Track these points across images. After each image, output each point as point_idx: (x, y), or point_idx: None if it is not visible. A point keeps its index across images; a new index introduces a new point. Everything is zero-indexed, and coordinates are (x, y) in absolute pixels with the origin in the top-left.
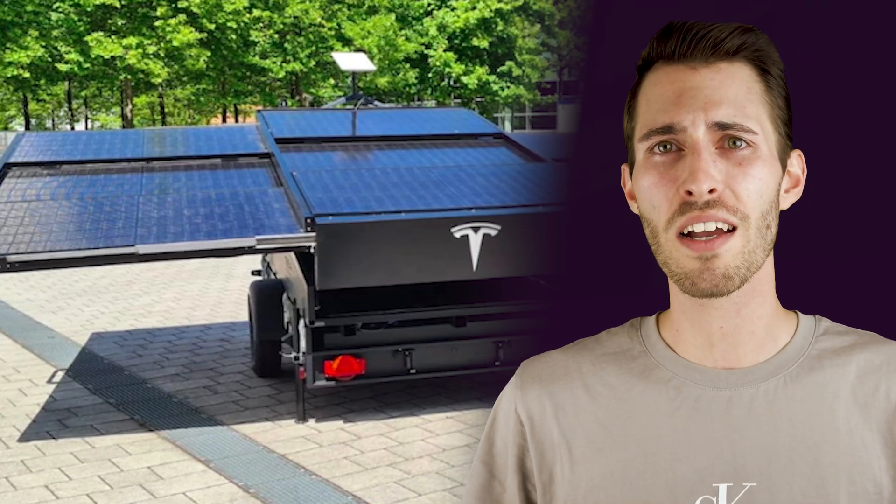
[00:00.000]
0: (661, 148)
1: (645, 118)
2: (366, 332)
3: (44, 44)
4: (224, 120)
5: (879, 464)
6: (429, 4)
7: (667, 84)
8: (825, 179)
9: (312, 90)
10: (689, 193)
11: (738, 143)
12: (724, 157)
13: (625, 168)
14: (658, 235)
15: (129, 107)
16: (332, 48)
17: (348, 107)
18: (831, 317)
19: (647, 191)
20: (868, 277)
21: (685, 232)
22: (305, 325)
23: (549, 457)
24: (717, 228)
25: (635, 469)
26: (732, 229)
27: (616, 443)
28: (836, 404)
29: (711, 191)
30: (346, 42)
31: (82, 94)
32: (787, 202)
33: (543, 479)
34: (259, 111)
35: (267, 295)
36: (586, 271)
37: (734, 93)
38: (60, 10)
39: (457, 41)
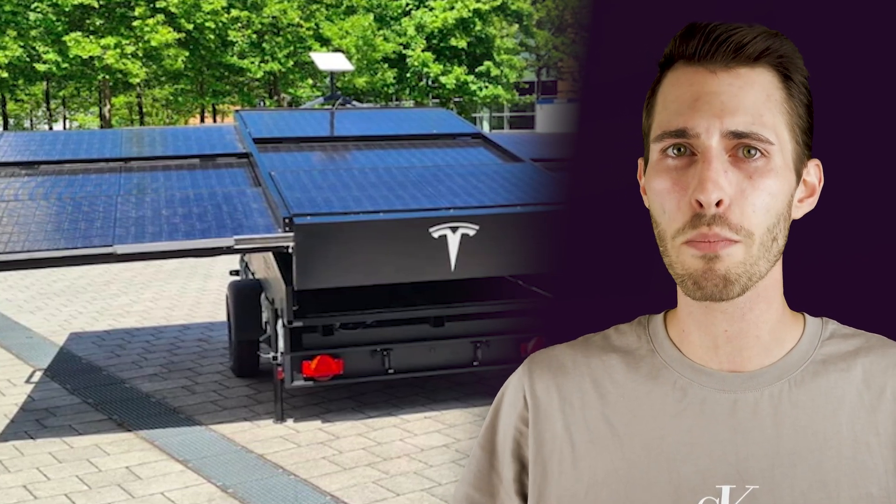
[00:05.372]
0: (675, 151)
1: (660, 119)
2: (344, 332)
3: (22, 44)
4: (202, 120)
5: (886, 467)
6: (407, 4)
7: (685, 86)
8: (829, 181)
9: (291, 90)
10: (700, 205)
11: (753, 152)
12: (736, 167)
13: (641, 162)
14: (665, 241)
15: (108, 107)
16: (310, 48)
17: (326, 107)
18: (838, 318)
19: (658, 195)
20: (874, 278)
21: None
22: (283, 325)
23: (546, 449)
24: (719, 240)
25: (639, 468)
26: (735, 241)
27: (621, 441)
28: (841, 409)
29: (719, 203)
30: (325, 42)
31: (60, 94)
32: (800, 212)
33: (536, 470)
34: (237, 111)
35: (245, 295)
36: (586, 272)
37: (752, 100)
38: (38, 10)
39: (435, 41)
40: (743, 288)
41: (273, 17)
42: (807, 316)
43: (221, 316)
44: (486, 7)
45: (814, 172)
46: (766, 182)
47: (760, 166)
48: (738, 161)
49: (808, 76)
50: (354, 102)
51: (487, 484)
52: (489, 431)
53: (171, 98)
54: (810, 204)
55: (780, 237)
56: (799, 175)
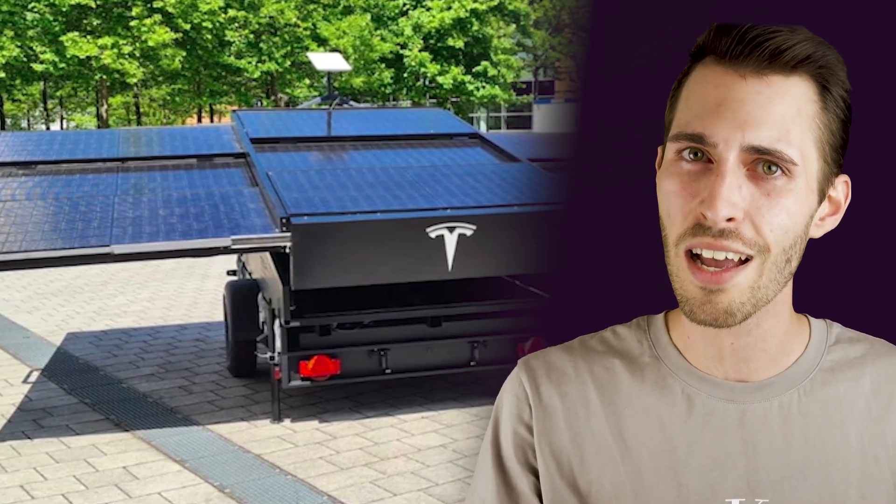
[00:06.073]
0: (691, 155)
1: (681, 117)
2: (341, 333)
3: (19, 44)
4: (199, 120)
5: (895, 479)
6: (404, 4)
7: (710, 87)
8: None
9: (288, 90)
10: (705, 218)
11: (774, 169)
12: (754, 182)
13: (661, 151)
14: (669, 247)
15: (105, 107)
16: (307, 48)
17: (324, 107)
18: (841, 319)
19: (666, 196)
20: (877, 280)
21: (694, 252)
22: (281, 325)
23: (553, 460)
24: (727, 258)
25: (647, 481)
26: (747, 259)
27: (629, 452)
28: (849, 419)
29: (730, 220)
30: (322, 42)
31: (58, 94)
32: (820, 231)
33: (545, 483)
34: (234, 111)
35: (242, 295)
36: (585, 272)
37: (781, 113)
38: (36, 10)
39: (432, 41)
40: (745, 316)
41: (270, 17)
42: (811, 319)
43: (219, 316)
44: (484, 7)
45: (841, 189)
46: (784, 202)
47: (780, 186)
48: (757, 177)
49: (850, 90)
50: (352, 102)
51: (508, 499)
52: (494, 447)
53: (169, 98)
54: (833, 222)
55: (794, 259)
56: (823, 195)
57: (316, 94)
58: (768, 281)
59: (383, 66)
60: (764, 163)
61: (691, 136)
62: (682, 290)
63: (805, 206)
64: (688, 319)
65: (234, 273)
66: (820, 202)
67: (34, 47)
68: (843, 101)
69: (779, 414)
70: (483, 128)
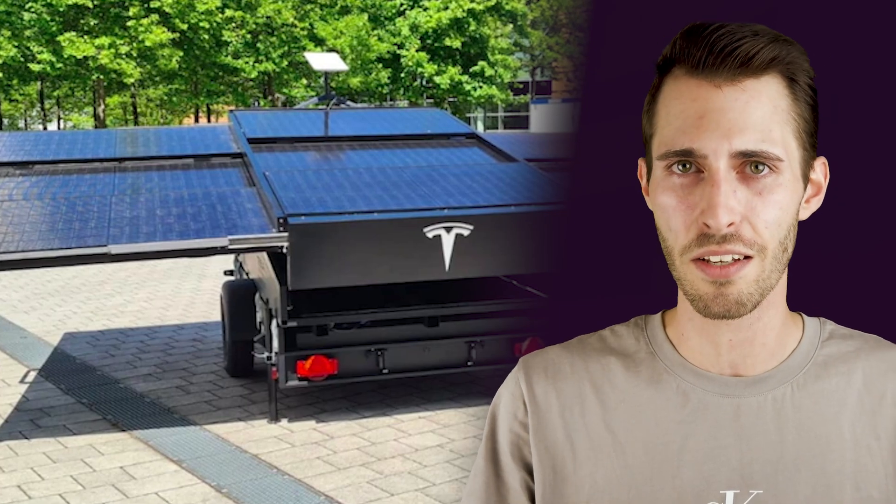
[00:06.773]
0: (680, 167)
1: (664, 135)
2: (338, 332)
3: (16, 44)
4: (196, 120)
5: (887, 471)
6: (401, 4)
7: (688, 101)
8: (829, 181)
9: (285, 90)
10: (708, 227)
11: (761, 168)
12: (745, 184)
13: (642, 163)
14: (673, 258)
15: (102, 107)
16: (304, 48)
17: (321, 107)
18: (834, 318)
19: (664, 211)
20: (869, 279)
21: (702, 259)
22: (278, 325)
23: (548, 456)
24: (732, 259)
25: (642, 474)
26: (748, 257)
27: (623, 447)
28: (843, 412)
29: (730, 224)
30: (319, 42)
31: (55, 94)
32: (807, 212)
33: (539, 478)
34: (231, 111)
35: (239, 295)
36: (585, 272)
37: (759, 115)
38: (33, 10)
39: (429, 41)
40: (754, 305)
41: (267, 17)
42: (804, 316)
43: (216, 316)
44: (481, 7)
45: (820, 170)
46: (775, 197)
47: (769, 183)
48: (747, 177)
49: (814, 76)
50: (349, 102)
51: (496, 495)
52: (490, 441)
53: (166, 98)
54: (817, 202)
55: (789, 246)
56: (806, 180)
57: (313, 94)
58: (770, 271)
59: (380, 65)
60: (751, 163)
61: (680, 152)
62: (694, 289)
63: (794, 195)
64: (700, 316)
65: (231, 273)
66: (805, 187)
67: (31, 47)
68: (809, 87)
69: (772, 407)
70: (480, 128)
